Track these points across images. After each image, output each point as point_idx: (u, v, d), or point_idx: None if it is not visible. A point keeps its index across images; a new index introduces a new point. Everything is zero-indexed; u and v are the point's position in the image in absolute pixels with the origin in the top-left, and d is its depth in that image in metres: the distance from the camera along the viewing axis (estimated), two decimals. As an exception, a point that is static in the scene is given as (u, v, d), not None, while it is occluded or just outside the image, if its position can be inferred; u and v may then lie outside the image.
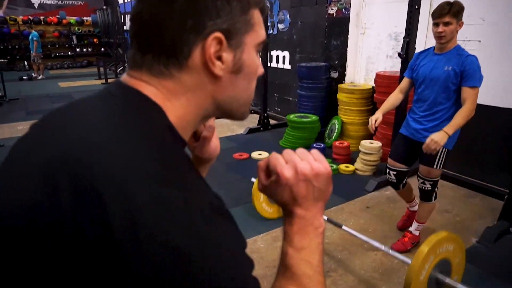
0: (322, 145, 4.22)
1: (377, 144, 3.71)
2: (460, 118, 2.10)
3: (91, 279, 0.36)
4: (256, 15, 0.52)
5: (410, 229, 2.52)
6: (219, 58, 0.49)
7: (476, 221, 2.86)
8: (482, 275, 2.24)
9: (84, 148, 0.40)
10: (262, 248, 2.48)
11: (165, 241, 0.36)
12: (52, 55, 13.35)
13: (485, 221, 2.83)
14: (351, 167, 3.77)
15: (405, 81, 2.46)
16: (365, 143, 3.71)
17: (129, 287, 0.35)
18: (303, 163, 0.52)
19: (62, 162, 0.40)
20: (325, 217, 2.53)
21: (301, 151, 0.55)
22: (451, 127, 2.10)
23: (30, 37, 10.24)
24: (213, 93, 0.51)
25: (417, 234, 2.50)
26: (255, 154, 4.19)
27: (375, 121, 2.36)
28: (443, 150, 2.24)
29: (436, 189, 2.39)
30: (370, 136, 4.32)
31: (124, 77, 0.51)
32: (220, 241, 0.40)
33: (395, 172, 2.47)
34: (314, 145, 4.23)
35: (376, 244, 2.12)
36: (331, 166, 3.75)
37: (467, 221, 2.86)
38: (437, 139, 2.06)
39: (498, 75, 3.11)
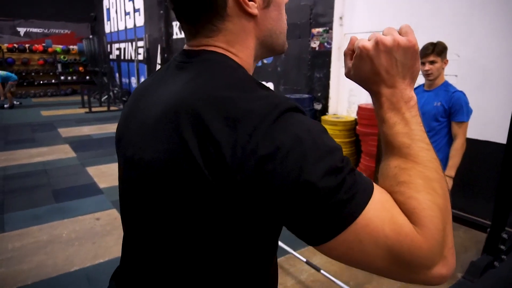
0: (307, 177, 4.20)
1: (361, 175, 3.72)
2: (456, 157, 2.29)
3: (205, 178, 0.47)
4: None
5: None
6: None
7: (461, 254, 2.85)
8: (469, 313, 2.19)
9: (192, 98, 0.51)
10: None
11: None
12: (36, 83, 13.24)
13: (469, 254, 2.82)
14: (335, 199, 3.74)
15: None
16: (349, 174, 3.70)
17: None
18: (385, 36, 0.53)
19: (178, 109, 0.51)
20: (304, 260, 2.48)
21: (388, 28, 0.55)
22: (452, 168, 2.30)
23: None
24: (255, 32, 0.60)
25: None
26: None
27: None
28: None
29: None
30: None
31: (186, 48, 0.61)
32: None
33: None
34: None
35: None
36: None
37: (452, 255, 2.84)
38: None
39: (476, 108, 3.17)
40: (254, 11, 0.57)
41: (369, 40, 0.54)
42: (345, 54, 0.59)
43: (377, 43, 0.52)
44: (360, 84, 0.57)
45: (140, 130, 0.57)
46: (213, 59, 0.57)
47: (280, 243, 2.66)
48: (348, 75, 0.59)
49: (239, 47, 0.59)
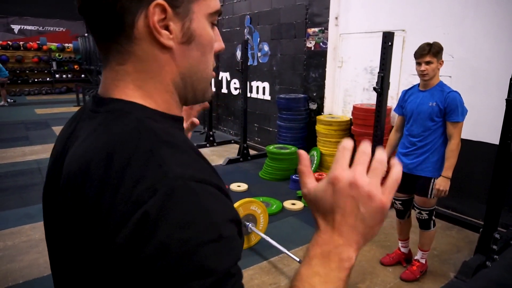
0: (302, 176, 4.20)
1: (355, 175, 3.73)
2: (452, 157, 2.29)
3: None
4: None
5: (417, 257, 2.59)
6: (167, 28, 0.48)
7: (453, 254, 2.87)
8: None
9: (77, 164, 0.47)
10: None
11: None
12: (30, 81, 13.15)
13: (462, 254, 2.83)
14: (330, 199, 3.75)
15: (398, 119, 2.63)
16: (344, 174, 3.71)
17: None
18: (362, 181, 0.44)
19: (72, 173, 0.47)
20: (297, 259, 2.48)
21: (378, 163, 0.46)
22: (448, 169, 2.29)
23: None
24: (170, 66, 0.51)
25: (424, 262, 2.58)
26: (234, 186, 4.13)
27: None
28: (433, 180, 2.37)
29: (433, 217, 2.48)
30: (348, 167, 4.35)
31: (99, 90, 0.54)
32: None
33: (400, 202, 2.60)
34: (293, 176, 4.21)
35: None
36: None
37: (445, 255, 2.86)
38: (442, 187, 2.29)
39: (469, 109, 3.19)
40: (168, 42, 0.49)
41: (346, 171, 0.45)
42: (300, 172, 0.50)
43: (351, 184, 0.44)
44: (312, 211, 0.48)
45: (60, 182, 0.53)
46: (119, 110, 0.49)
47: (274, 243, 2.67)
48: (306, 197, 0.49)
49: (152, 82, 0.51)
